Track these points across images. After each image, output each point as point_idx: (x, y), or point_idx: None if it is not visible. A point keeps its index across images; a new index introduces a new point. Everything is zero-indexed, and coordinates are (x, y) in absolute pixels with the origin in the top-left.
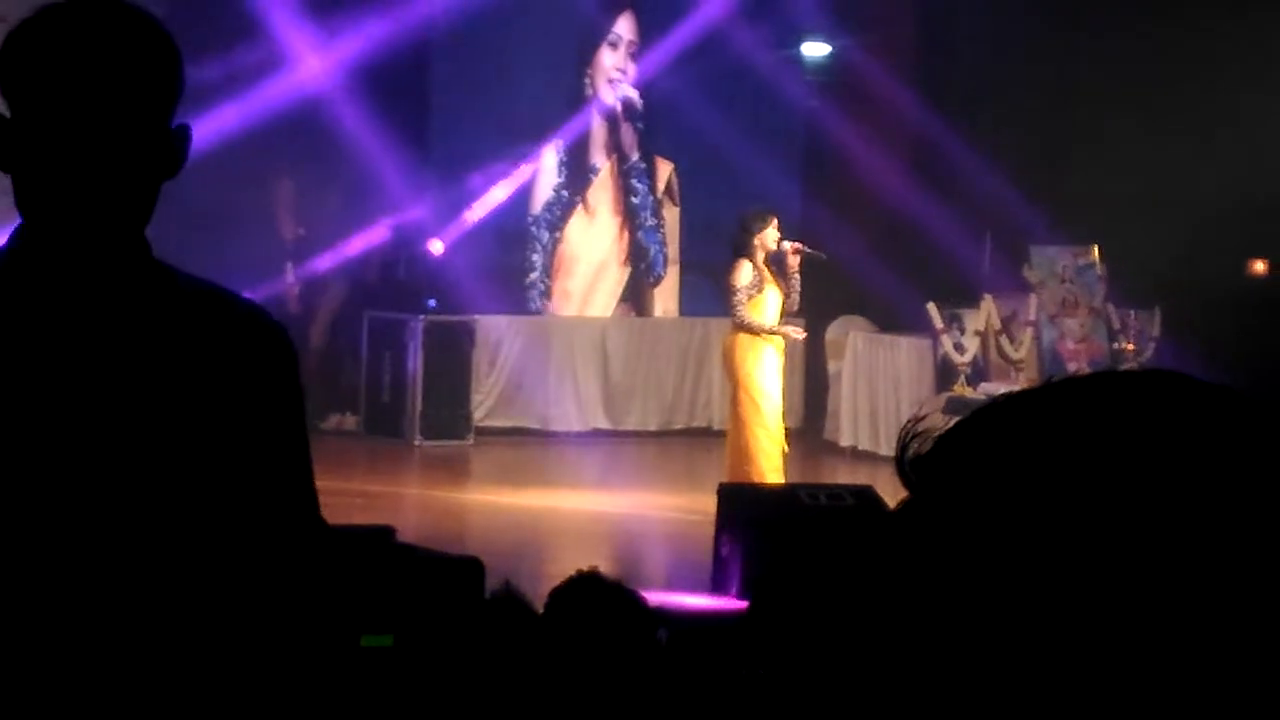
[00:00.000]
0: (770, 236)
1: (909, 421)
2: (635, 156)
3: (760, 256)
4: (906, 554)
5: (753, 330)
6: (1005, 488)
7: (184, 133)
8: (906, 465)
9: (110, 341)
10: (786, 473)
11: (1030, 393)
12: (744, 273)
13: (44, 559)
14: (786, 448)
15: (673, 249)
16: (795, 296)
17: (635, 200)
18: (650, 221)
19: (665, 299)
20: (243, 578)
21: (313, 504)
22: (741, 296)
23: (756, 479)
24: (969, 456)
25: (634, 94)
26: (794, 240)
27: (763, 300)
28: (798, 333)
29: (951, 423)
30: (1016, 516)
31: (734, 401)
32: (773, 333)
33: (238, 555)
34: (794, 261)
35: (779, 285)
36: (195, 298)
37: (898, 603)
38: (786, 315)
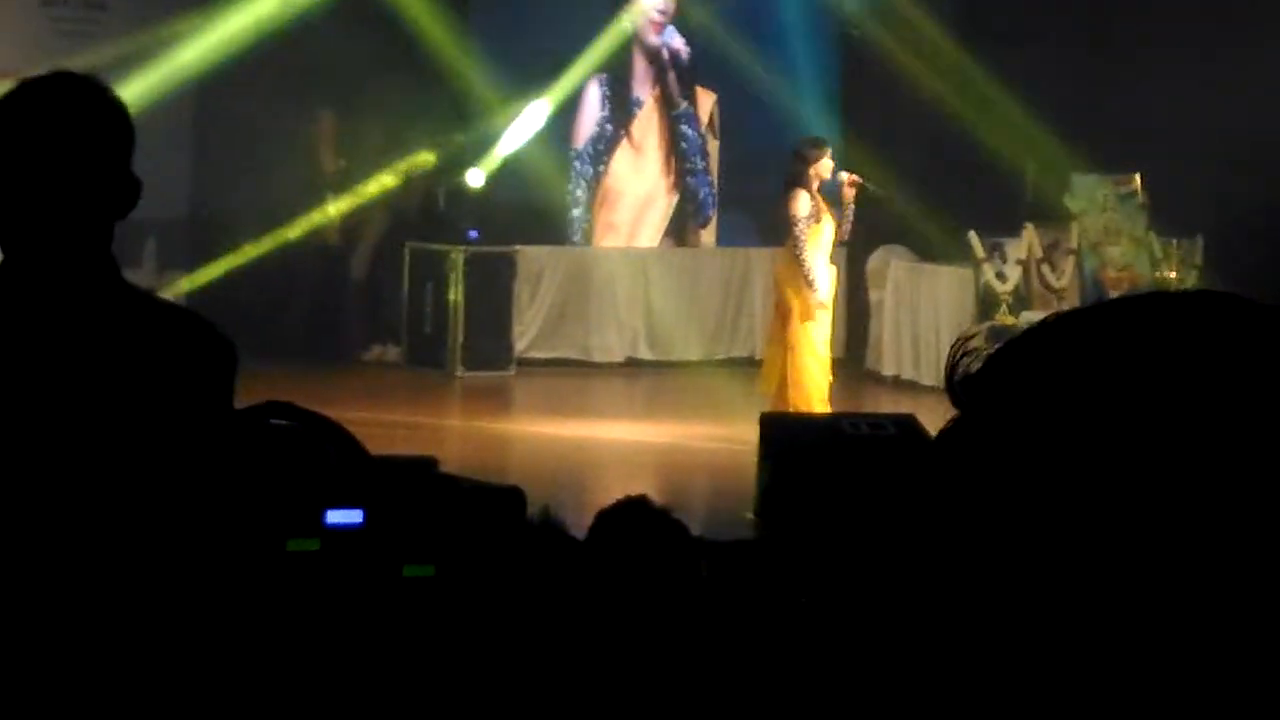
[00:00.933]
0: (825, 165)
1: (958, 340)
2: (684, 104)
3: (815, 185)
4: (954, 472)
5: (803, 266)
6: (1057, 406)
7: (137, 184)
8: (956, 383)
9: (78, 343)
10: (832, 402)
11: (1084, 311)
12: (802, 202)
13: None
14: (832, 377)
15: (712, 178)
16: (847, 227)
17: (684, 145)
18: (700, 165)
19: (706, 238)
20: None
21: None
22: (802, 227)
23: (803, 408)
24: (1020, 375)
25: (679, 41)
26: (850, 172)
27: (819, 230)
28: (821, 304)
29: (1001, 342)
30: (1068, 435)
31: (783, 329)
32: (809, 284)
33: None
34: (849, 194)
35: (832, 216)
36: (154, 308)
37: (943, 523)
38: (836, 244)
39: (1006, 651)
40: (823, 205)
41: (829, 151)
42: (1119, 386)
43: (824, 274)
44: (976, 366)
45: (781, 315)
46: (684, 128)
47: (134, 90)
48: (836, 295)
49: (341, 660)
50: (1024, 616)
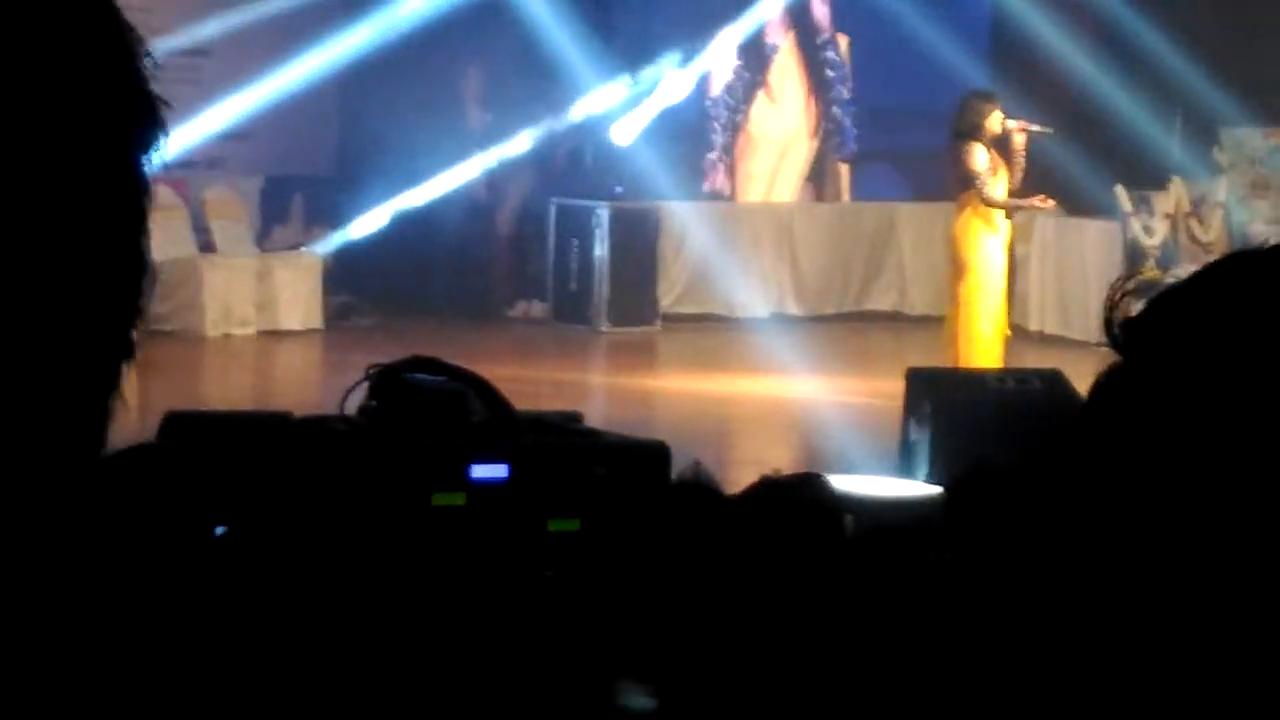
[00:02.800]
0: (996, 119)
1: (1117, 282)
2: (829, 31)
3: (987, 139)
4: (1115, 417)
5: (1002, 206)
6: (1226, 349)
7: None
8: (1116, 327)
9: None
10: (1006, 358)
11: (1252, 254)
12: (979, 156)
13: None
14: (1009, 331)
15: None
16: (1019, 176)
17: (831, 74)
18: (845, 95)
19: (846, 182)
20: None
21: None
22: (985, 178)
23: (976, 364)
24: (1187, 317)
25: None
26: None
27: (995, 184)
28: (1044, 202)
29: (1163, 284)
30: (1237, 379)
31: (958, 285)
32: (1020, 206)
33: None
34: (1020, 141)
35: (1005, 167)
36: None
37: (1103, 470)
38: (1012, 195)
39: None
40: (996, 158)
41: (998, 104)
42: None
43: (1002, 224)
44: (1137, 310)
45: (957, 272)
46: (829, 54)
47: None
48: (1011, 249)
49: (486, 615)
50: (1189, 570)
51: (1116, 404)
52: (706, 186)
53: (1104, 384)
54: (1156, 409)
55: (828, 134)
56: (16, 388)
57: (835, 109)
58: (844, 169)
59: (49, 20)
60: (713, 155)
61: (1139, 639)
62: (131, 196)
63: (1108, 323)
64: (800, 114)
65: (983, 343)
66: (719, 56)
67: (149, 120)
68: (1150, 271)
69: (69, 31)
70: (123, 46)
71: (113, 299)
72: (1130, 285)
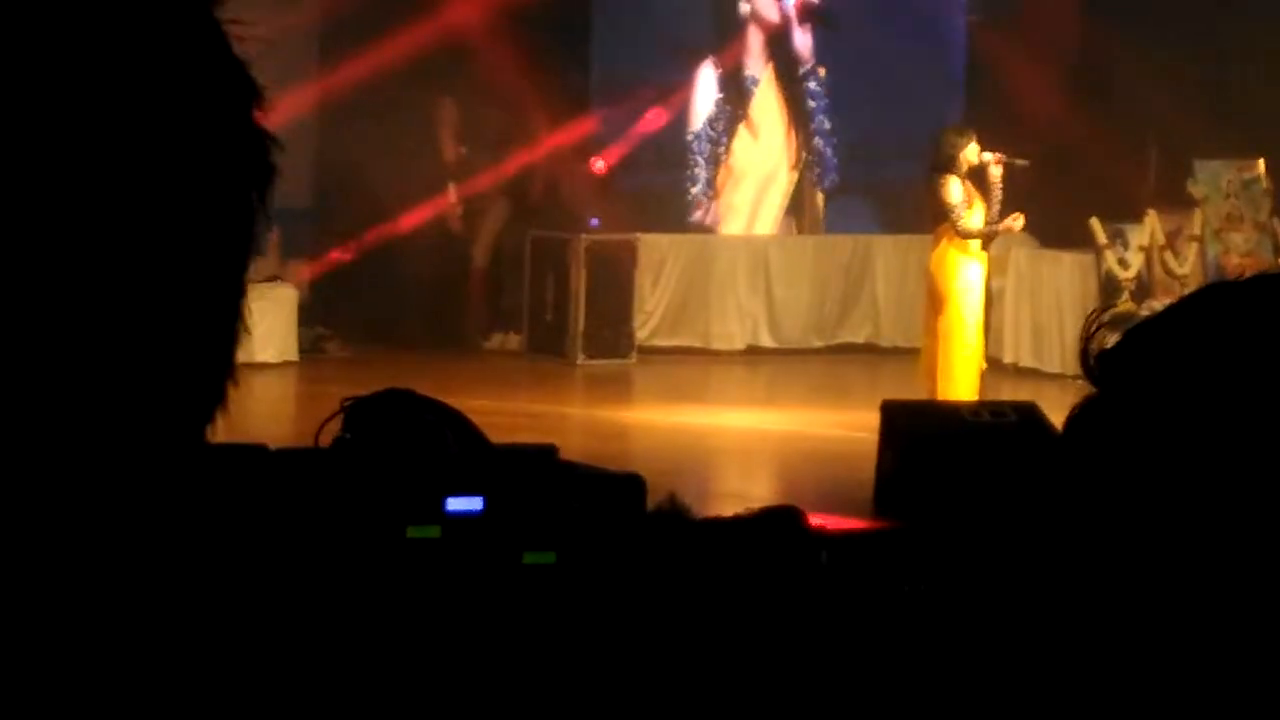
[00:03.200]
0: (972, 151)
1: (1092, 314)
2: (811, 62)
3: (963, 171)
4: (1091, 449)
5: (976, 236)
6: (1201, 382)
7: None
8: (1092, 359)
9: None
10: (983, 390)
11: (1228, 286)
12: (954, 188)
13: None
14: (984, 364)
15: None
16: (996, 209)
17: (813, 104)
18: (827, 125)
19: (820, 197)
20: None
21: None
22: (960, 211)
23: (952, 397)
24: (1163, 349)
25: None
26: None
27: (971, 216)
28: (1015, 220)
29: (1139, 317)
30: (1213, 412)
31: (936, 318)
32: (994, 234)
33: None
34: (996, 173)
35: (981, 199)
36: None
37: (1078, 501)
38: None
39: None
40: (972, 190)
41: (974, 138)
42: (1266, 363)
43: (979, 255)
44: (1112, 342)
45: (934, 305)
46: (811, 84)
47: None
48: (987, 284)
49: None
50: (1167, 598)
51: (1092, 436)
52: (694, 218)
53: (1080, 416)
54: (1132, 441)
55: (809, 165)
56: (129, 393)
57: (817, 139)
58: (821, 200)
59: (179, 63)
60: (695, 190)
61: (1118, 667)
62: (245, 227)
63: (1083, 355)
64: (781, 147)
65: (961, 376)
66: (700, 89)
67: (265, 160)
68: (1125, 304)
69: (195, 71)
70: (246, 88)
71: (217, 327)
72: (1106, 318)
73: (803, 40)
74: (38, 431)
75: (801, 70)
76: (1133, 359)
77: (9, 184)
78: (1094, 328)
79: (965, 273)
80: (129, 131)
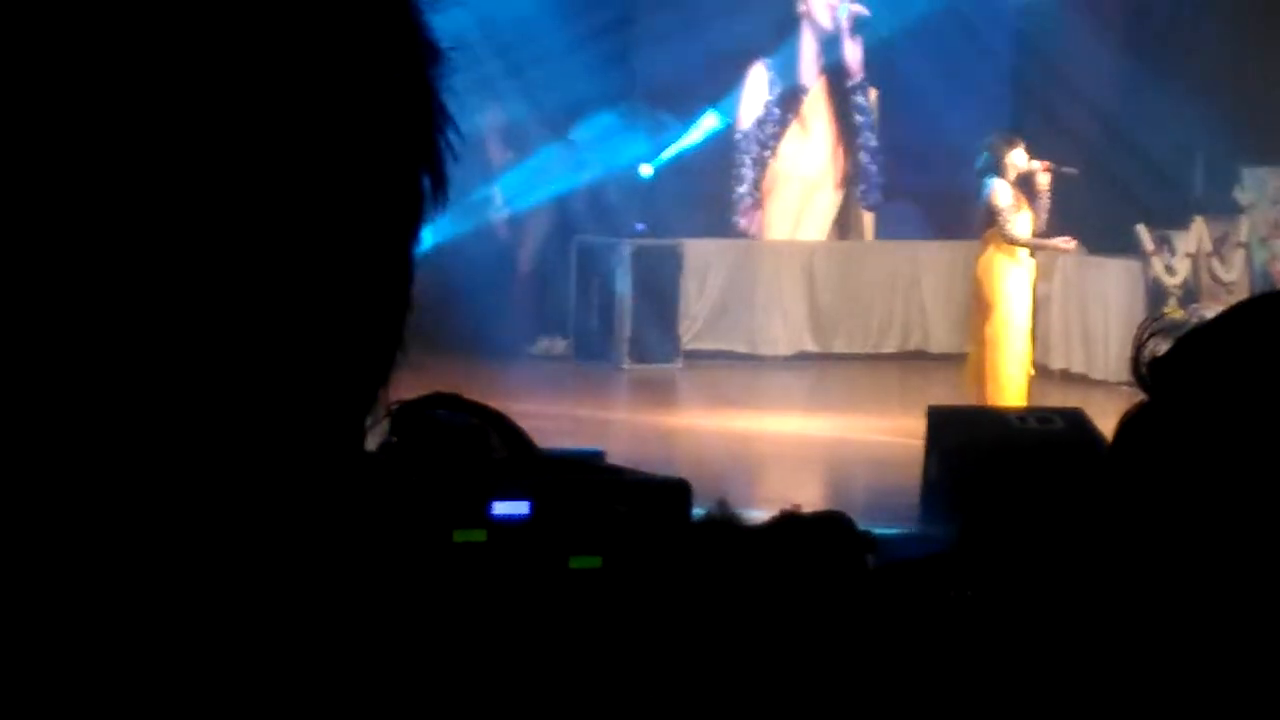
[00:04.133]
0: (1019, 157)
1: (1144, 322)
2: (860, 75)
3: (1011, 176)
4: (1143, 456)
5: (1024, 245)
6: (1254, 390)
7: None
8: (1143, 367)
9: None
10: (1030, 396)
11: (1276, 295)
12: (1003, 193)
13: None
14: (1033, 371)
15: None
16: (1044, 216)
17: (859, 119)
18: (873, 141)
19: (870, 228)
20: None
21: None
22: (1008, 214)
23: (1000, 403)
24: (1216, 357)
25: (862, 9)
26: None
27: (1018, 221)
28: (1067, 243)
29: (1190, 325)
30: (1265, 420)
31: (983, 324)
32: (1042, 246)
33: None
34: (1044, 181)
35: (1029, 206)
36: None
37: (1130, 508)
38: (1036, 235)
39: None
40: (1020, 196)
41: (1021, 144)
42: None
43: (1026, 261)
44: (1163, 349)
45: (981, 311)
46: (858, 98)
47: None
48: (1035, 290)
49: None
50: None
51: (1144, 443)
52: (737, 223)
53: (1131, 423)
54: (1184, 448)
55: (853, 181)
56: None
57: (862, 155)
58: (868, 217)
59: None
60: (742, 190)
61: (1166, 673)
62: (413, 207)
63: (1135, 362)
64: (828, 158)
65: (1008, 381)
66: (750, 90)
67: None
68: (1173, 310)
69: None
70: (422, 47)
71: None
72: (1157, 325)
73: (854, 52)
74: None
75: (850, 84)
76: (1185, 367)
77: (150, 149)
78: (1145, 336)
79: (1012, 278)
80: (289, 91)
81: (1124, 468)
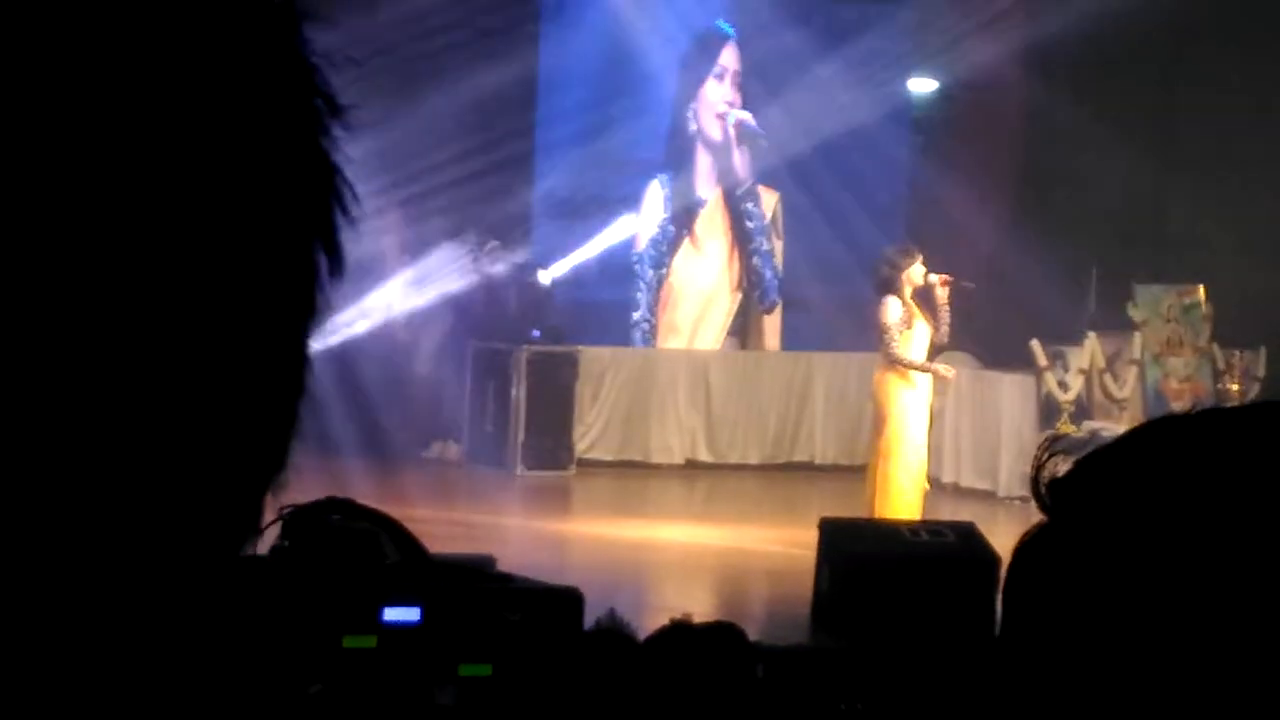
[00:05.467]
0: (916, 272)
1: (1045, 441)
2: (750, 181)
3: (907, 292)
4: (1042, 579)
5: (905, 366)
6: (1154, 516)
7: None
8: (1043, 487)
9: None
10: (925, 511)
11: (1181, 419)
12: (892, 309)
13: None
14: (928, 485)
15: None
16: (945, 329)
17: (750, 225)
18: (765, 246)
19: (769, 334)
20: None
21: None
22: (893, 333)
23: (893, 515)
24: (1116, 481)
25: (748, 116)
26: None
27: (910, 336)
28: (948, 370)
29: (1091, 444)
30: (1165, 547)
31: (878, 437)
32: (924, 369)
33: None
34: (943, 294)
35: (927, 319)
36: None
37: (1027, 630)
38: (936, 348)
39: None
40: (915, 310)
41: (919, 258)
42: (1218, 498)
43: (922, 376)
44: (1063, 470)
45: (876, 424)
46: (749, 205)
47: None
48: (932, 405)
49: None
50: None
51: (1042, 565)
52: (635, 340)
53: (1029, 545)
54: (1082, 573)
55: (749, 286)
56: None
57: (755, 259)
58: (769, 320)
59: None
60: (637, 315)
61: None
62: (306, 285)
63: (1034, 482)
64: (724, 266)
65: (899, 494)
66: (647, 208)
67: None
68: (1065, 426)
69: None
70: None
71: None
72: (1056, 446)
73: (740, 160)
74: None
75: (740, 190)
76: (1084, 490)
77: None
78: (1045, 455)
79: (905, 392)
80: (167, 154)
81: (1020, 591)
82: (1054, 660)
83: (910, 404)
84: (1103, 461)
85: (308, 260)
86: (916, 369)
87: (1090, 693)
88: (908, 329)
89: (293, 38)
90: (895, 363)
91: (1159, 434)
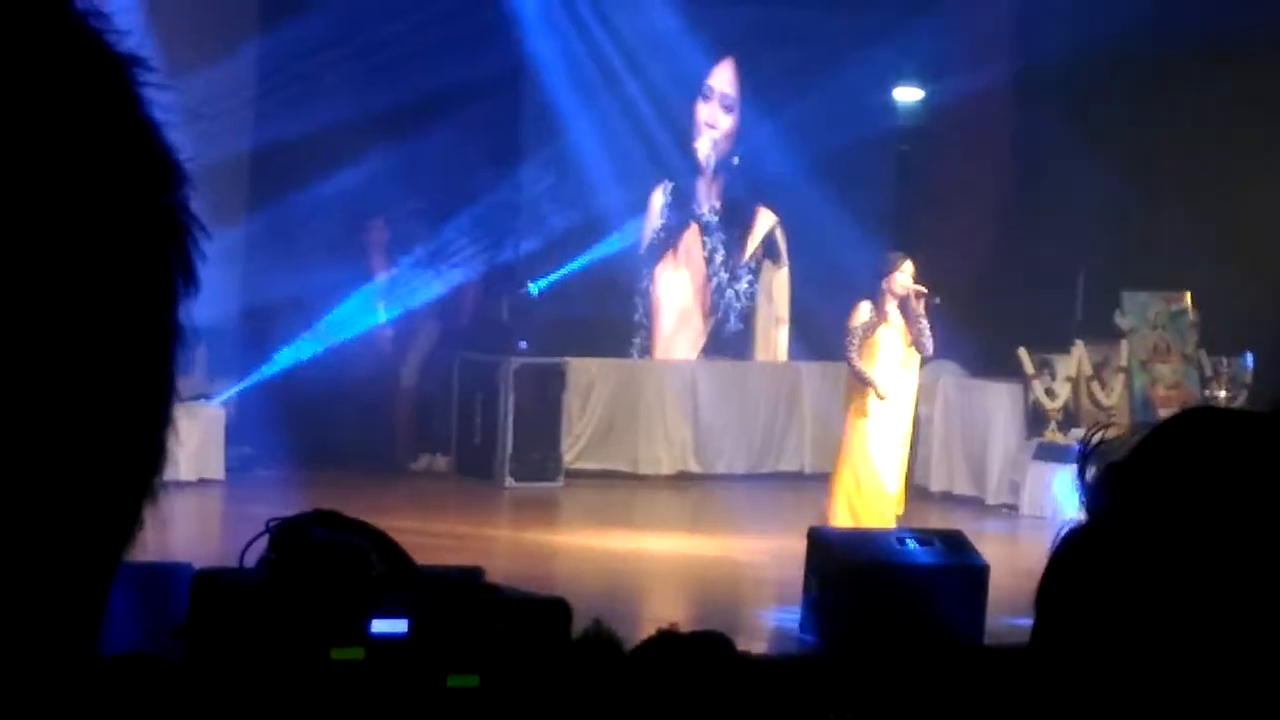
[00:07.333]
0: (899, 280)
1: (1087, 435)
2: (714, 207)
3: (886, 299)
4: (1080, 579)
5: (852, 370)
6: (1194, 518)
7: None
8: (1085, 486)
9: None
10: (908, 518)
11: (1208, 413)
12: (860, 313)
13: None
14: (902, 491)
15: (781, 305)
16: (925, 341)
17: (713, 253)
18: (724, 275)
19: (773, 353)
20: None
21: None
22: (852, 337)
23: (844, 521)
24: (1153, 483)
25: (718, 136)
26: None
27: (875, 343)
28: (884, 389)
29: (1130, 444)
30: (1206, 547)
31: (845, 441)
32: (864, 380)
33: None
34: (916, 304)
35: (903, 330)
36: None
37: (1073, 630)
38: (908, 354)
39: None
40: (890, 319)
41: (902, 264)
42: (1251, 497)
43: (882, 379)
44: (1099, 473)
45: (846, 429)
46: (705, 237)
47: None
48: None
49: None
50: None
51: (1081, 565)
52: (634, 343)
53: (1074, 546)
54: (1121, 573)
55: (715, 311)
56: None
57: (713, 286)
58: (776, 337)
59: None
60: (637, 317)
61: None
62: (163, 341)
63: (1080, 477)
64: (694, 288)
65: (850, 500)
66: (651, 212)
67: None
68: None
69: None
70: (164, 169)
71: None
72: (1099, 446)
73: (714, 188)
74: None
75: (704, 215)
76: (1129, 490)
77: None
78: (1083, 459)
79: (867, 400)
80: (24, 223)
81: (1060, 588)
82: (1110, 660)
83: (874, 411)
84: (1143, 462)
85: (163, 324)
86: (861, 377)
87: (1150, 691)
88: (871, 335)
89: (128, 97)
90: (849, 364)
91: (1196, 432)
